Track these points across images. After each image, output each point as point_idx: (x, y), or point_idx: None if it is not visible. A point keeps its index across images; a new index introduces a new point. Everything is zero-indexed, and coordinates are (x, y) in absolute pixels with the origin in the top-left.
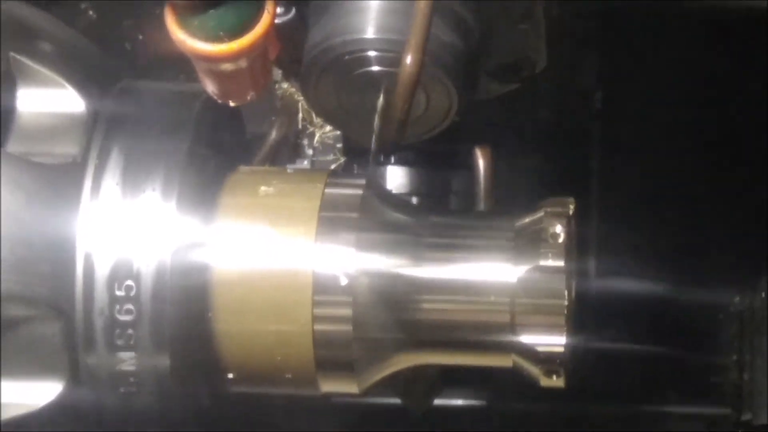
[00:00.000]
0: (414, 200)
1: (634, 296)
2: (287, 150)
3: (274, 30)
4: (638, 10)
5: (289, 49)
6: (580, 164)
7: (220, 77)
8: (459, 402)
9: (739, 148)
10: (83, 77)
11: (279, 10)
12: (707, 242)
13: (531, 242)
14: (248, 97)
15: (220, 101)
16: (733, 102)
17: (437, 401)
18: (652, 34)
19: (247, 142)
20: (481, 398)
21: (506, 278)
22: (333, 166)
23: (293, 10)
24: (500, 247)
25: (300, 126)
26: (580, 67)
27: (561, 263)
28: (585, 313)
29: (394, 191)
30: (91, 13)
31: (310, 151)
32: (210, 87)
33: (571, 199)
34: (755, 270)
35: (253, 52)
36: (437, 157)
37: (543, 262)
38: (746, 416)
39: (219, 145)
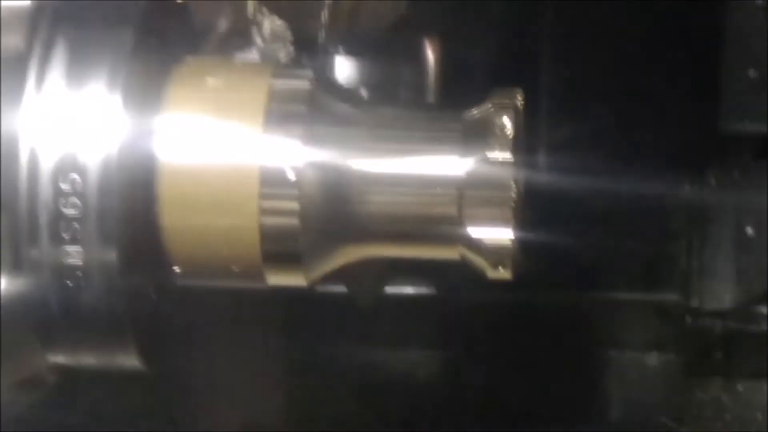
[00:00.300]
0: (362, 92)
1: (583, 184)
2: (236, 40)
3: None
4: None
5: None
6: (531, 49)
7: None
8: (409, 291)
9: (688, 30)
10: None
11: None
12: (658, 130)
13: (478, 134)
14: None
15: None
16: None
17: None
18: None
19: (195, 33)
20: (430, 287)
21: (453, 170)
22: (282, 56)
23: None
24: (447, 139)
25: (250, 15)
26: None
27: (508, 155)
28: (533, 204)
29: (342, 83)
30: None
31: (259, 41)
32: None
33: (519, 90)
34: (705, 156)
35: None
36: (386, 48)
37: (490, 154)
38: (695, 302)
39: (166, 37)
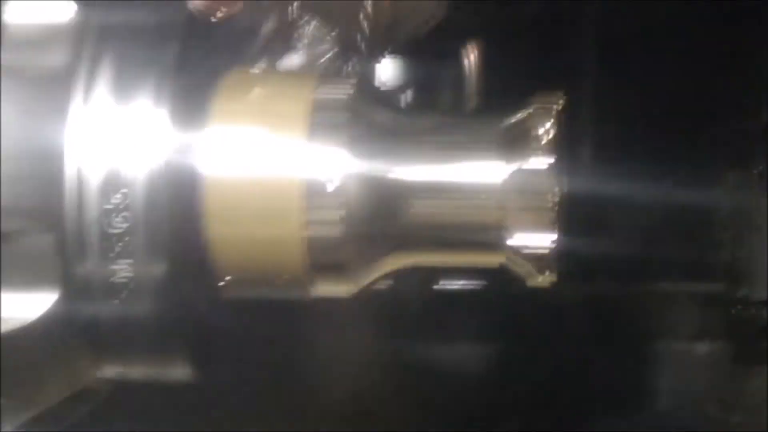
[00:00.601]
0: (405, 94)
1: (627, 177)
2: (281, 41)
3: None
4: None
5: None
6: (574, 54)
7: None
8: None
9: (736, 33)
10: None
11: None
12: (701, 122)
13: (519, 140)
14: (236, 9)
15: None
16: None
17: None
18: None
19: (240, 44)
20: (479, 280)
21: (495, 177)
22: (326, 57)
23: None
24: (489, 146)
25: (291, 19)
26: None
27: (549, 161)
28: (579, 205)
29: (384, 85)
30: None
31: (301, 44)
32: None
33: (560, 94)
34: (751, 146)
35: None
36: (428, 50)
37: (531, 161)
38: (742, 292)
39: (211, 47)
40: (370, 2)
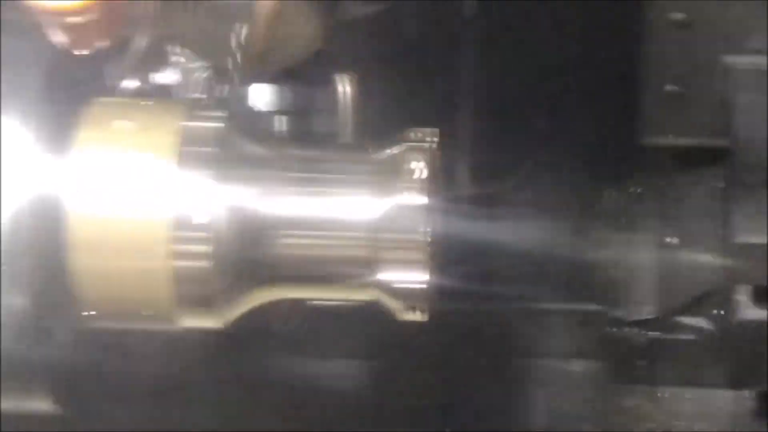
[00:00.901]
0: (279, 120)
1: (507, 197)
2: (153, 57)
3: None
4: None
5: None
6: (452, 77)
7: (69, 29)
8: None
9: (607, 50)
10: None
11: None
12: (577, 145)
13: (393, 177)
14: (99, 47)
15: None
16: (604, 11)
17: None
18: None
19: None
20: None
21: (368, 213)
22: (199, 74)
23: None
24: (362, 181)
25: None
26: None
27: (422, 199)
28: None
29: (257, 109)
30: None
31: (182, 59)
32: (57, 38)
33: (435, 131)
34: (627, 164)
35: (101, 5)
36: (303, 76)
37: (404, 198)
38: (619, 312)
39: (74, 76)
40: (242, 30)
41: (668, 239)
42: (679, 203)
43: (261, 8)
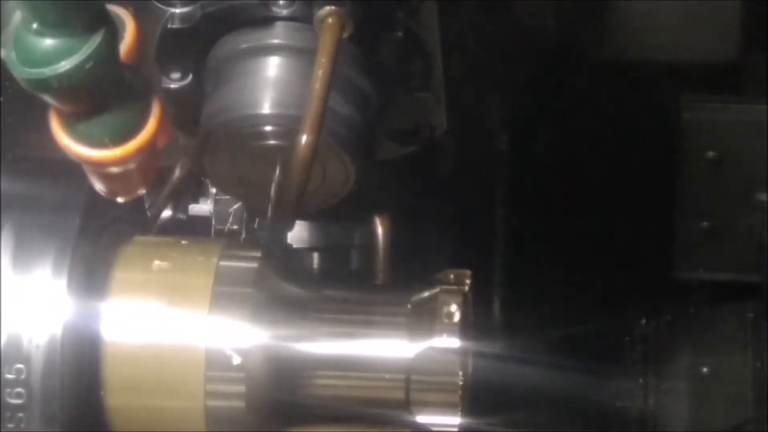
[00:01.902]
0: (314, 256)
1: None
2: (190, 188)
3: (164, 121)
4: (542, 54)
5: (187, 112)
6: (485, 210)
7: (107, 178)
8: None
9: (641, 186)
10: None
11: (176, 75)
12: (612, 273)
13: (426, 319)
14: (138, 194)
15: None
16: (636, 144)
17: None
18: (555, 75)
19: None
20: None
21: (401, 355)
22: (234, 207)
23: (190, 76)
24: (395, 323)
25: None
26: (484, 109)
27: (456, 342)
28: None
29: (293, 245)
30: None
31: (213, 190)
32: (98, 186)
33: (468, 273)
34: (659, 295)
35: (139, 156)
36: (338, 215)
37: (438, 341)
38: None
39: (113, 212)
40: (277, 176)
41: (702, 369)
42: (710, 334)
43: (297, 151)
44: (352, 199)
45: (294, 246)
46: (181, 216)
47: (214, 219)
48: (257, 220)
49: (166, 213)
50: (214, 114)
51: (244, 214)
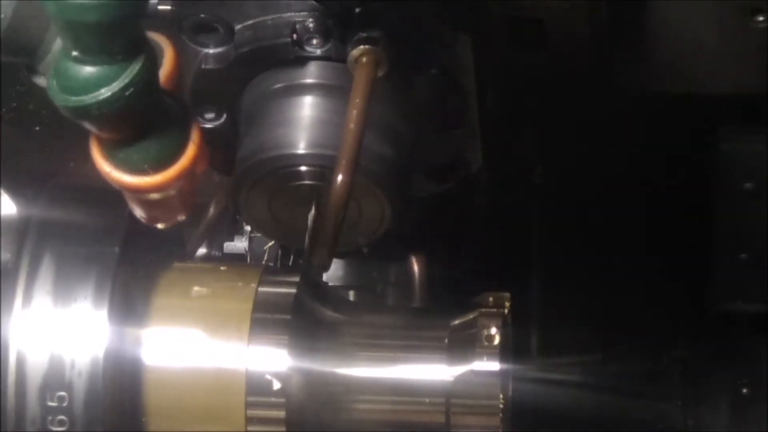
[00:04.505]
0: (350, 293)
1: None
2: (225, 226)
3: (203, 147)
4: (574, 86)
5: (222, 152)
6: (521, 241)
7: (147, 204)
8: None
9: (679, 217)
10: (15, 179)
11: (210, 115)
12: (649, 303)
13: (466, 343)
14: (178, 220)
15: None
16: (672, 178)
17: None
18: (591, 107)
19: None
20: None
21: (441, 378)
22: (269, 245)
23: (224, 116)
24: (435, 347)
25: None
26: (519, 143)
27: (496, 365)
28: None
29: (329, 284)
30: None
31: (248, 228)
32: (138, 212)
33: (507, 296)
34: (696, 326)
35: (179, 182)
36: (373, 249)
37: (478, 364)
38: None
39: (152, 241)
40: (313, 215)
41: (742, 390)
42: (749, 357)
43: (333, 192)
44: (387, 236)
45: (330, 284)
46: (216, 253)
47: (248, 257)
48: (291, 258)
49: (202, 250)
50: (249, 154)
51: (279, 252)
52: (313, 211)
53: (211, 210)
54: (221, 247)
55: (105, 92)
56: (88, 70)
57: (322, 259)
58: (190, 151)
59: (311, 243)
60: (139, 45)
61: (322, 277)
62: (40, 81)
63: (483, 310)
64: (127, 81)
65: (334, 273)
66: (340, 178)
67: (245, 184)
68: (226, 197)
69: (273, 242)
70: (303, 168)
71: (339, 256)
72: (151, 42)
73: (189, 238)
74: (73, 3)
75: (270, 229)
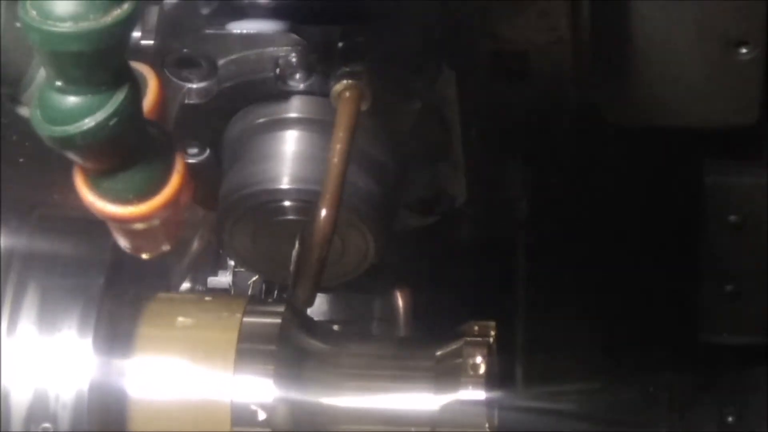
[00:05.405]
0: (335, 327)
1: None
2: (209, 260)
3: (187, 177)
4: (559, 119)
5: (205, 186)
6: (505, 275)
7: (132, 234)
8: None
9: (664, 250)
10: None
11: (193, 150)
12: (635, 336)
13: (451, 372)
14: (162, 251)
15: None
16: (658, 208)
17: None
18: (575, 141)
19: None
20: None
21: (427, 408)
22: (253, 279)
23: (208, 151)
24: (421, 377)
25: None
26: (503, 176)
27: (482, 394)
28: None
29: (314, 318)
30: None
31: (231, 263)
32: (123, 243)
33: (492, 324)
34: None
35: (164, 212)
36: (357, 284)
37: (464, 393)
38: None
39: (137, 271)
40: (297, 250)
41: (727, 418)
42: (735, 385)
43: (317, 227)
44: (371, 271)
45: (314, 319)
46: (200, 288)
47: (232, 291)
48: (275, 293)
49: (185, 285)
50: (233, 189)
51: (263, 287)
52: (297, 246)
53: (195, 245)
54: (205, 282)
55: (89, 122)
56: (72, 100)
57: (306, 294)
58: (175, 181)
59: (295, 278)
60: (123, 74)
61: (306, 312)
62: (24, 111)
63: (468, 339)
64: (111, 111)
65: (318, 308)
66: (323, 212)
67: (229, 219)
68: (210, 232)
69: (257, 277)
70: (286, 203)
71: (323, 291)
72: (134, 71)
73: (173, 272)
74: (56, 32)
75: (254, 264)
